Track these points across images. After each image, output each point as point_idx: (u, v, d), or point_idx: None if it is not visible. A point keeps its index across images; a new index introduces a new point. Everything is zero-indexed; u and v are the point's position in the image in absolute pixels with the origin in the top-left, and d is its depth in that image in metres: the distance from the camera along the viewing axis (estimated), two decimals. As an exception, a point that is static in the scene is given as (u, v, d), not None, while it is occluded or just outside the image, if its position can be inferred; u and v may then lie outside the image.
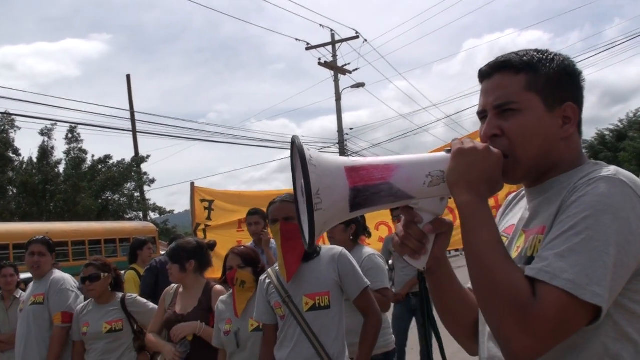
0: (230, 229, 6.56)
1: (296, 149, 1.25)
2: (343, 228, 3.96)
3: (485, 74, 1.39)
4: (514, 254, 1.34)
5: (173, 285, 4.04)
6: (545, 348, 1.11)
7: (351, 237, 4.03)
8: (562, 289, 1.08)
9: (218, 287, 3.97)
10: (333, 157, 1.30)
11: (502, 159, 1.28)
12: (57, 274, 4.60)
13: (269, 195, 6.72)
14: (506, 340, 1.13)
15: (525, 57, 1.34)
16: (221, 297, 3.67)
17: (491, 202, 5.51)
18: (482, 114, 1.38)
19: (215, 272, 5.47)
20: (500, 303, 1.12)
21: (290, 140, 1.29)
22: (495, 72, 1.36)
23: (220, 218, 6.68)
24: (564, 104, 1.31)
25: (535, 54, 1.35)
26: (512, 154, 1.31)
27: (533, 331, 1.09)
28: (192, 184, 6.84)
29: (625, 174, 1.20)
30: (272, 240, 5.26)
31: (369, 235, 4.46)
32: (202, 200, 6.72)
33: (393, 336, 4.17)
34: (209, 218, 6.67)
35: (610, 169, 1.22)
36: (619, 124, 39.40)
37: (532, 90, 1.31)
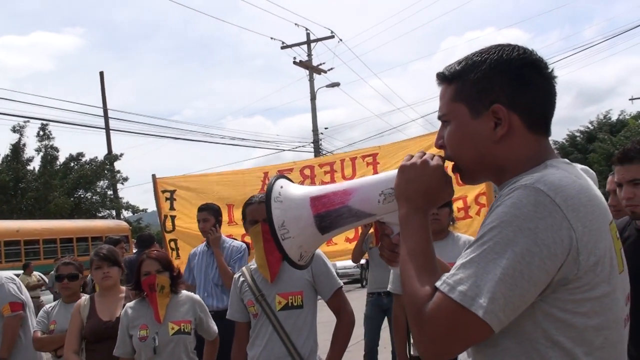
0: (195, 221, 6.49)
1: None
2: (448, 211, 3.75)
3: (438, 84, 1.43)
4: None
5: (84, 297, 3.99)
6: (443, 352, 1.19)
7: (451, 223, 3.86)
8: (454, 300, 1.14)
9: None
10: (302, 189, 1.52)
11: (440, 169, 1.34)
12: None
13: (232, 177, 6.64)
14: (414, 340, 1.24)
15: (458, 66, 1.35)
16: (129, 304, 3.61)
17: (459, 203, 5.56)
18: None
19: (182, 265, 5.42)
20: (408, 308, 1.23)
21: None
22: (440, 82, 1.40)
23: (184, 207, 6.54)
24: (491, 107, 1.29)
25: (473, 57, 1.34)
26: (454, 161, 1.38)
27: (426, 336, 1.18)
28: (154, 176, 6.75)
29: (548, 180, 1.18)
30: (225, 239, 5.17)
31: (453, 222, 4.08)
32: (164, 191, 6.63)
33: None
34: (172, 208, 6.57)
35: (534, 177, 1.19)
36: (590, 125, 39.97)
37: (458, 100, 1.34)
